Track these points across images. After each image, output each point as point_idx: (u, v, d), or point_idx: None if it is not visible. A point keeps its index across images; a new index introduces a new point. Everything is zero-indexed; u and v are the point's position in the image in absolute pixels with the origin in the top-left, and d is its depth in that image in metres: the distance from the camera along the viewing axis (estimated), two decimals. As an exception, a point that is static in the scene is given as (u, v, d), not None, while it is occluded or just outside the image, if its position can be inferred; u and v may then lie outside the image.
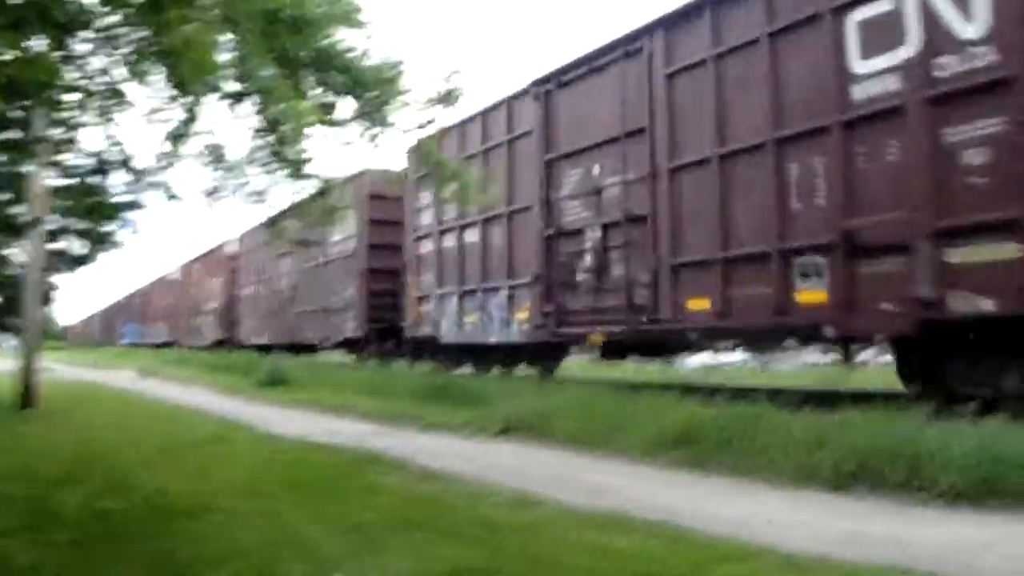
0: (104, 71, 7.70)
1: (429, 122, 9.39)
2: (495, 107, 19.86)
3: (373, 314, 26.26)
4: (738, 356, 20.78)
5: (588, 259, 15.92)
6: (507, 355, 20.31)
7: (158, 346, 60.07)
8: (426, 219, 22.68)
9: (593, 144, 16.13)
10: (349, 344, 28.51)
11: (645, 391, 12.87)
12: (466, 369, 21.84)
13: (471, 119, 20.39)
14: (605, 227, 15.62)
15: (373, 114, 8.79)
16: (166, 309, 63.17)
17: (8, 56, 7.13)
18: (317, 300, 30.56)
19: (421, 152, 9.89)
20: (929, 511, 7.22)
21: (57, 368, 36.79)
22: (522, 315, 18.03)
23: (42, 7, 6.24)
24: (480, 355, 20.99)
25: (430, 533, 6.35)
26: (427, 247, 22.57)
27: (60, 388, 22.48)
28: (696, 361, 20.55)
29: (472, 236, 20.31)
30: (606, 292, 15.42)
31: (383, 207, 26.56)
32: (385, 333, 26.01)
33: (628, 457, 10.11)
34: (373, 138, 9.09)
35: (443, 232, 21.71)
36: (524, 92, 18.61)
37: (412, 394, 16.39)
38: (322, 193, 10.05)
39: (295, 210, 10.90)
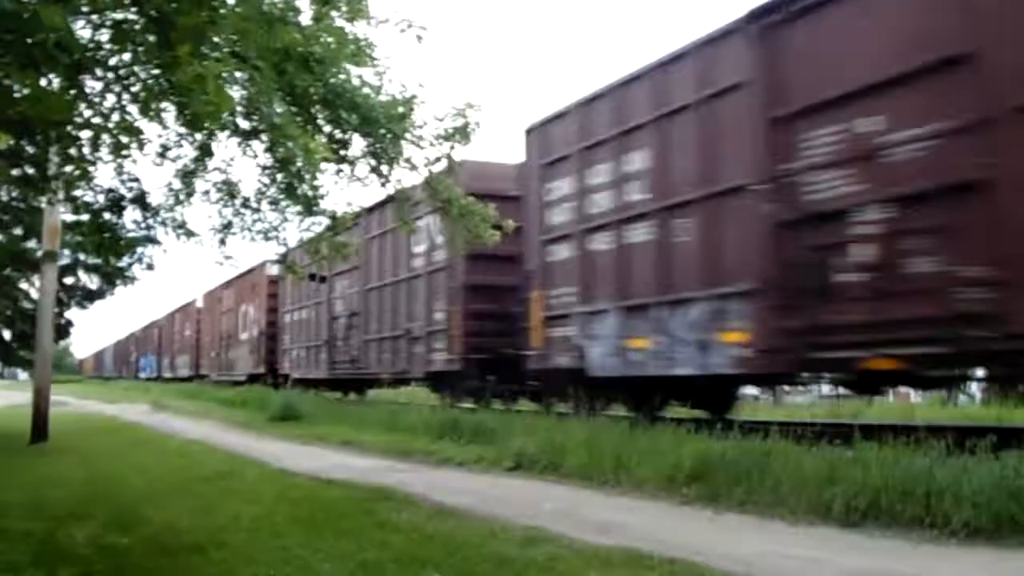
0: (117, 108, 7.74)
1: (439, 159, 9.41)
2: (675, 59, 14.55)
3: (473, 342, 20.77)
4: (752, 389, 20.44)
5: (860, 252, 10.97)
6: (695, 390, 15.36)
7: (180, 380, 56.16)
8: (561, 216, 17.01)
9: (862, 88, 11.02)
10: (437, 379, 23.21)
11: (658, 425, 12.77)
12: (620, 410, 16.65)
13: (633, 80, 15.45)
14: (895, 203, 10.61)
15: (383, 151, 8.81)
16: (190, 340, 57.51)
17: (21, 93, 7.18)
18: (391, 326, 24.97)
19: (431, 188, 9.80)
20: (943, 548, 7.15)
21: (70, 401, 36.84)
22: (735, 336, 12.90)
23: (50, 46, 6.27)
24: (649, 390, 15.62)
25: (441, 571, 6.32)
26: (564, 252, 16.96)
27: (72, 421, 22.59)
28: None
29: (642, 233, 14.90)
30: (899, 298, 10.40)
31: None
32: (489, 366, 20.64)
33: (641, 492, 10.07)
34: (383, 175, 9.11)
35: (591, 231, 16.16)
36: (728, 32, 13.42)
37: (425, 429, 16.26)
38: (334, 229, 10.06)
39: (307, 246, 10.91)
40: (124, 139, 8.16)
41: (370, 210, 24.27)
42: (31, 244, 19.44)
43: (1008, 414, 14.94)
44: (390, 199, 10.61)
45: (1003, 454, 8.20)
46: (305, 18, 7.82)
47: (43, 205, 15.07)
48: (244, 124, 8.35)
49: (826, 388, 17.85)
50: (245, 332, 41.90)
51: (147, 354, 78.69)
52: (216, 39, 6.39)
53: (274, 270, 36.10)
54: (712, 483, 9.61)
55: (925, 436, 9.01)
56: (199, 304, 55.40)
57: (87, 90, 7.56)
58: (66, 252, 19.29)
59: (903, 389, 18.97)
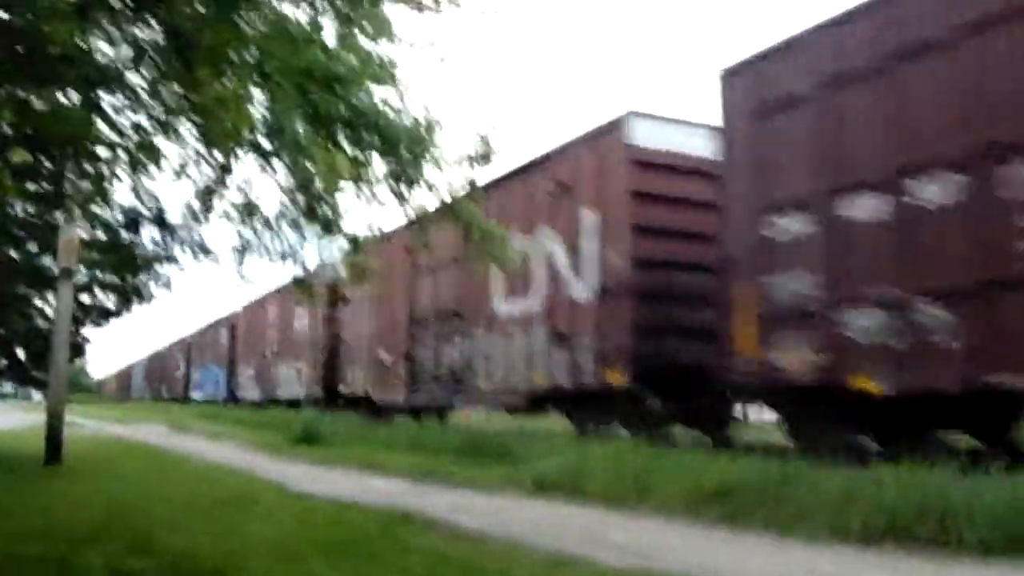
0: (136, 126, 7.71)
1: (460, 182, 9.36)
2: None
3: None
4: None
5: None
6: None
7: (283, 406, 34.05)
8: None
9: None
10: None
11: (678, 447, 12.76)
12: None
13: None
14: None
15: (404, 173, 8.76)
16: (304, 337, 34.87)
17: (39, 108, 7.17)
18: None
19: (452, 211, 9.72)
20: (959, 566, 7.22)
21: (86, 423, 36.83)
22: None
23: (69, 62, 6.26)
24: None
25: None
26: None
27: (87, 443, 22.55)
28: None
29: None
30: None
31: None
32: None
33: (662, 514, 10.06)
34: (403, 196, 9.06)
35: None
36: None
37: (447, 451, 16.19)
38: (354, 251, 10.02)
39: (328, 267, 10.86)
40: (142, 157, 8.14)
41: None
42: (47, 261, 19.43)
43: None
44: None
45: (1016, 474, 8.31)
46: (328, 36, 7.80)
47: (60, 222, 15.04)
48: (265, 143, 8.33)
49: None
50: (523, 296, 19.65)
51: (208, 366, 54.76)
52: (237, 58, 6.35)
53: (655, 137, 17.30)
54: (732, 504, 9.65)
55: (942, 456, 9.10)
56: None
57: (104, 107, 7.53)
58: (83, 270, 19.27)
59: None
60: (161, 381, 74.11)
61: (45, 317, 22.26)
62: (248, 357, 44.85)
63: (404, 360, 24.95)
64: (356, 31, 7.77)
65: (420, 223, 9.98)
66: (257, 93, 7.47)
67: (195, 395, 57.21)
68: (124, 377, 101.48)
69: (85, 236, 15.81)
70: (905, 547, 7.77)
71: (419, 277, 24.38)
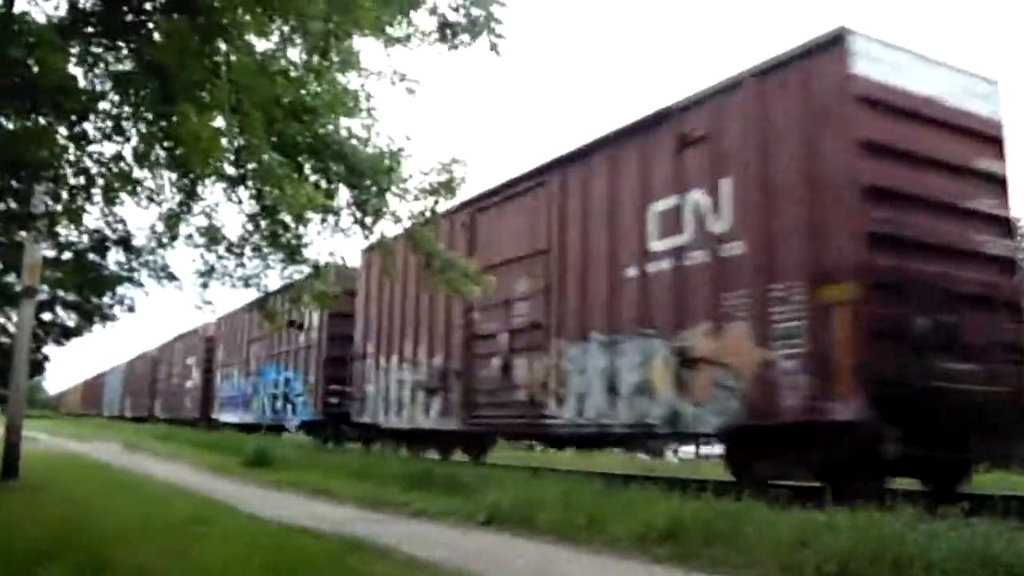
0: (114, 158, 7.79)
1: (423, 212, 9.42)
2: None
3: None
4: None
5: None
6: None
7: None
8: None
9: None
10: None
11: (631, 483, 12.77)
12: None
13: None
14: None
15: (368, 202, 8.83)
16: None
17: (12, 128, 7.24)
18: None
19: (413, 240, 9.75)
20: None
21: (41, 437, 36.51)
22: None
23: (60, 92, 6.34)
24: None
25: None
26: None
27: (44, 459, 22.38)
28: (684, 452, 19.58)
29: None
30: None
31: None
32: None
33: (613, 551, 10.02)
34: (366, 226, 9.13)
35: None
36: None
37: (398, 480, 16.19)
38: (316, 277, 10.06)
39: (289, 293, 10.91)
40: (117, 185, 8.21)
41: None
42: (10, 279, 19.40)
43: (979, 480, 15.03)
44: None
45: (974, 520, 8.25)
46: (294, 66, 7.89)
47: (25, 241, 15.02)
48: (230, 170, 8.39)
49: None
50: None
51: (262, 370, 34.04)
52: (216, 92, 6.44)
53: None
54: (685, 543, 9.59)
55: (899, 501, 9.08)
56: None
57: (88, 136, 7.62)
58: (45, 288, 19.23)
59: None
60: (152, 396, 55.27)
61: (6, 333, 22.19)
62: (411, 341, 22.25)
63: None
64: (325, 62, 7.87)
65: (383, 251, 10.02)
66: (222, 120, 7.55)
67: (225, 416, 38.53)
68: (93, 389, 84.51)
69: (48, 254, 15.80)
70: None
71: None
